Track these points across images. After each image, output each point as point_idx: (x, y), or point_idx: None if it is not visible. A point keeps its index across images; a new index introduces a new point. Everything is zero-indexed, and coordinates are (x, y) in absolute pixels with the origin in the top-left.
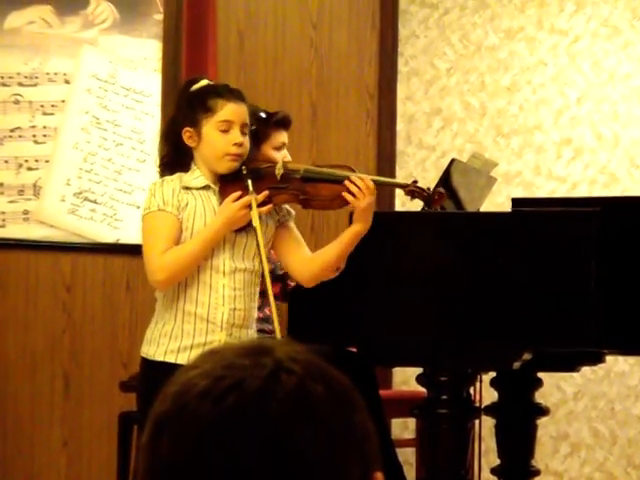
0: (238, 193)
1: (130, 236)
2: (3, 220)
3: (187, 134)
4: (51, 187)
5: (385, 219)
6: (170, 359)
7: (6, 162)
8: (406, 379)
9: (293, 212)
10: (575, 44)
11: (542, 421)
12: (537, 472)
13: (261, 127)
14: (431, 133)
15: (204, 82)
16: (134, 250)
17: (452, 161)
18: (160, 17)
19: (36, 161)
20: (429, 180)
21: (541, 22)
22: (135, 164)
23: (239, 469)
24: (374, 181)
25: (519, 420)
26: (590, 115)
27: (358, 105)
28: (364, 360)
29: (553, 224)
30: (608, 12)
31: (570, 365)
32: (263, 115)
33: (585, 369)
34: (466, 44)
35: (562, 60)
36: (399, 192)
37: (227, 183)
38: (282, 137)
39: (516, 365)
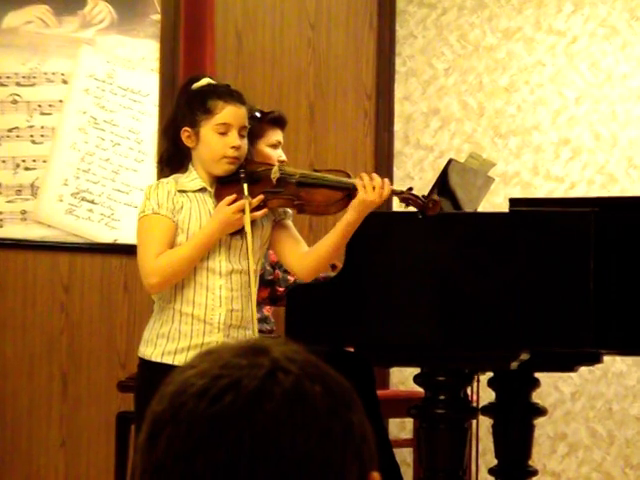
0: (233, 196)
1: (128, 236)
2: (1, 220)
3: (185, 134)
4: (49, 187)
5: (383, 219)
6: (167, 360)
7: (4, 162)
8: (403, 379)
9: (290, 211)
10: (573, 44)
11: (540, 421)
12: (535, 472)
13: (255, 125)
14: (429, 133)
15: (205, 81)
16: (132, 250)
17: (450, 161)
18: (158, 17)
19: (34, 161)
20: (427, 180)
21: (539, 22)
22: (133, 164)
23: (236, 468)
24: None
25: (517, 420)
26: (588, 115)
27: (356, 105)
28: (362, 360)
29: (551, 224)
30: (606, 12)
31: (568, 365)
32: (257, 114)
33: (583, 369)
34: (464, 44)
35: (560, 60)
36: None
37: (223, 185)
38: (277, 135)
39: (514, 365)
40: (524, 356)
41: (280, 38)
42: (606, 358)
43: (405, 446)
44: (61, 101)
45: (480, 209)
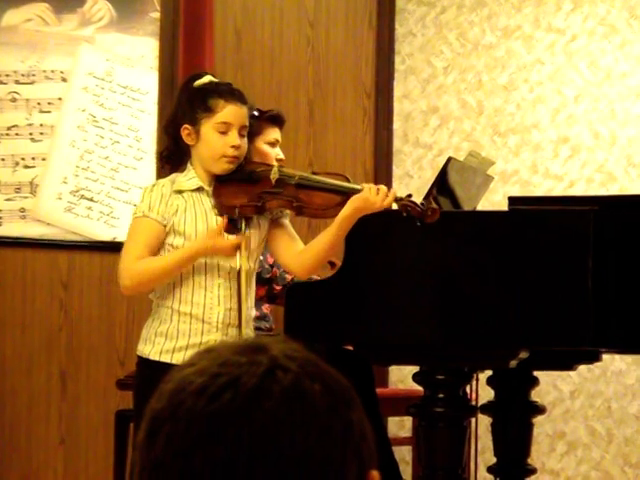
0: (224, 224)
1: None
2: (0, 218)
3: (186, 131)
4: (48, 185)
5: (382, 217)
6: (165, 359)
7: (3, 160)
8: (402, 377)
9: (287, 211)
10: (572, 43)
11: (538, 420)
12: (533, 471)
13: (254, 123)
14: (428, 131)
15: (207, 78)
16: None
17: (449, 159)
18: (157, 15)
19: (33, 159)
20: (426, 179)
21: (538, 21)
22: (132, 162)
23: (234, 466)
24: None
25: (515, 419)
26: (587, 114)
27: (355, 103)
28: (361, 358)
29: (550, 223)
30: (605, 11)
31: (567, 364)
32: (255, 112)
33: (582, 368)
34: (463, 42)
35: (559, 59)
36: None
37: (221, 184)
38: (275, 134)
39: (512, 364)
40: (523, 354)
41: (279, 36)
42: (605, 356)
43: (404, 444)
44: (60, 99)
45: (479, 207)
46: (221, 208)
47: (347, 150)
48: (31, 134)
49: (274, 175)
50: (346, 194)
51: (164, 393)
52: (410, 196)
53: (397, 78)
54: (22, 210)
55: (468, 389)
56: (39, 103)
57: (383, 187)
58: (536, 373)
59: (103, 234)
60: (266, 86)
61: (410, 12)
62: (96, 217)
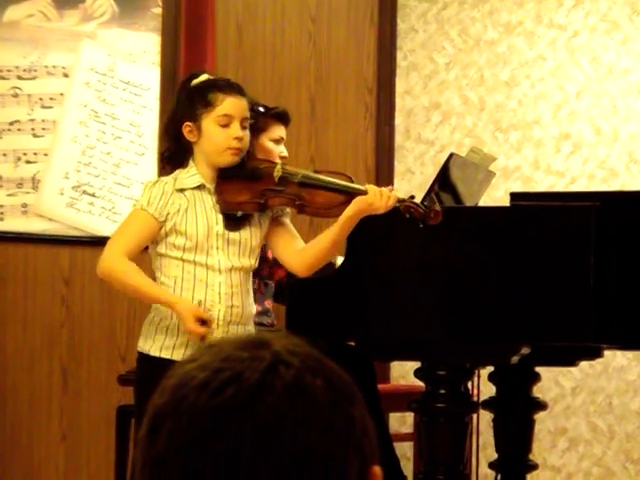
0: (198, 312)
1: None
2: (2, 213)
3: (187, 129)
4: (50, 180)
5: (384, 214)
6: (166, 355)
7: (5, 155)
8: (404, 373)
9: (288, 209)
10: (574, 39)
11: (540, 416)
12: (535, 466)
13: (259, 120)
14: (430, 127)
15: (204, 77)
16: None
17: (451, 155)
18: (159, 11)
19: (35, 154)
20: (427, 175)
21: (540, 17)
22: (134, 157)
23: (237, 462)
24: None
25: (517, 415)
26: (589, 110)
27: (357, 99)
28: (362, 354)
29: (552, 219)
30: (607, 7)
31: (568, 360)
32: (261, 108)
33: (583, 364)
34: (465, 38)
35: (561, 55)
36: (398, 187)
37: (224, 181)
38: (280, 131)
39: (514, 359)
40: (525, 350)
41: (281, 32)
42: (607, 353)
43: (406, 440)
44: (62, 94)
45: (481, 203)
46: (223, 205)
47: (349, 146)
48: (33, 129)
49: (277, 173)
50: (349, 194)
51: (166, 388)
52: (413, 197)
53: (399, 74)
54: (24, 205)
55: (470, 385)
56: (41, 98)
57: (386, 190)
58: (537, 369)
59: (105, 230)
60: (268, 82)
61: (412, 8)
62: (98, 213)
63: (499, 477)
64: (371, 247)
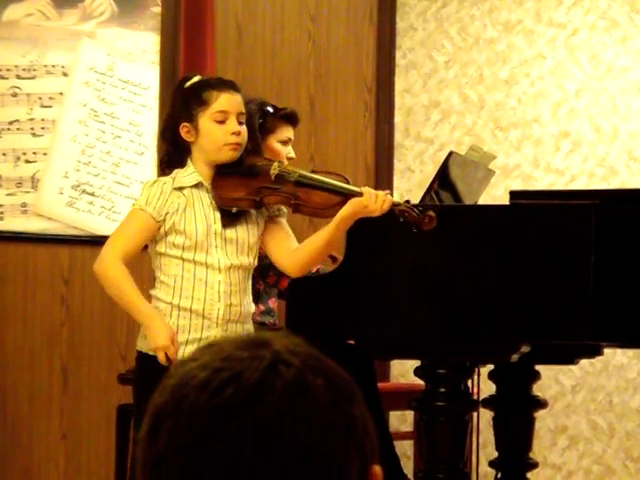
0: (172, 338)
1: None
2: (1, 213)
3: (185, 129)
4: (49, 180)
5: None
6: None
7: (4, 155)
8: (404, 372)
9: (285, 209)
10: (573, 37)
11: (540, 414)
12: (535, 465)
13: (268, 120)
14: (429, 126)
15: (197, 78)
16: None
17: (450, 154)
18: (158, 10)
19: (34, 154)
20: (427, 173)
21: (539, 15)
22: (133, 157)
23: (238, 461)
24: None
25: (517, 413)
26: (588, 108)
27: (356, 98)
28: (363, 353)
29: (551, 217)
30: (606, 5)
31: (568, 358)
32: (270, 109)
33: (583, 362)
34: (464, 37)
35: (560, 53)
36: (398, 185)
37: (220, 177)
38: (288, 132)
39: (514, 358)
40: (525, 349)
41: (280, 31)
42: (607, 351)
43: (406, 439)
44: (61, 94)
45: (480, 202)
46: (219, 200)
47: (348, 145)
48: (32, 129)
49: (274, 171)
50: (345, 195)
51: (166, 388)
52: (408, 202)
53: (398, 72)
54: (23, 205)
55: (470, 383)
56: (40, 98)
57: (382, 193)
58: (538, 367)
59: (104, 229)
60: (267, 81)
61: (411, 6)
62: (97, 212)
63: (499, 475)
64: (370, 246)
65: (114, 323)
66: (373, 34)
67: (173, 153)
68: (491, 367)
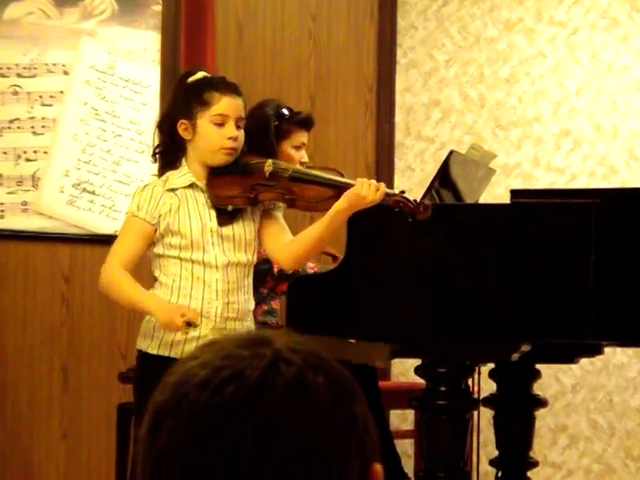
0: (195, 315)
1: None
2: (2, 211)
3: (182, 126)
4: (50, 178)
5: (384, 211)
6: (164, 352)
7: (5, 153)
8: (405, 370)
9: (281, 204)
10: (574, 36)
11: (540, 413)
12: (535, 463)
13: (283, 123)
14: (430, 125)
15: (201, 74)
16: None
17: (451, 153)
18: (159, 8)
19: (35, 152)
20: (428, 172)
21: (540, 13)
22: (134, 155)
23: (238, 459)
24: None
25: (517, 412)
26: (589, 107)
27: (357, 97)
28: None
29: (552, 216)
30: (607, 4)
31: (568, 357)
32: (286, 112)
33: (584, 361)
34: (465, 36)
35: (561, 52)
36: (398, 184)
37: (215, 177)
38: (303, 137)
39: (514, 357)
40: (525, 348)
41: (281, 30)
42: (607, 349)
43: (406, 437)
44: (62, 92)
45: (481, 200)
46: (214, 199)
47: (349, 143)
48: (33, 127)
49: (268, 168)
50: (338, 188)
51: (167, 386)
52: (403, 192)
53: (399, 71)
54: (24, 203)
55: (470, 382)
56: (41, 96)
57: (374, 181)
58: (538, 366)
59: (105, 227)
60: (268, 80)
61: (412, 5)
62: (98, 210)
63: (500, 474)
64: (370, 246)
65: (114, 322)
66: (374, 33)
67: (169, 146)
68: (491, 366)
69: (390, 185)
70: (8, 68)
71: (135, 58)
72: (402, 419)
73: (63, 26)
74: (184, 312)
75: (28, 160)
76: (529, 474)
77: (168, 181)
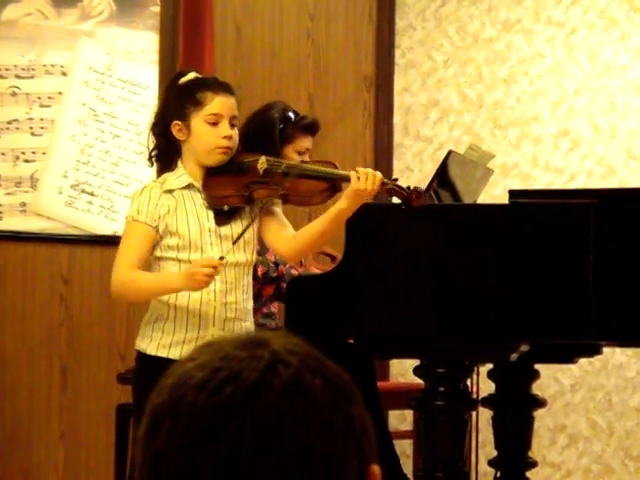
0: (211, 260)
1: None
2: (0, 212)
3: (176, 127)
4: (48, 179)
5: (383, 211)
6: (162, 353)
7: (3, 154)
8: (403, 371)
9: (278, 200)
10: (572, 36)
11: (539, 413)
12: (534, 464)
13: (288, 127)
14: (428, 125)
15: (192, 75)
16: None
17: (449, 153)
18: (157, 9)
19: (33, 153)
20: (426, 172)
21: (538, 14)
22: (132, 156)
23: (236, 460)
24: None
25: (516, 412)
26: (587, 107)
27: (355, 97)
28: (362, 352)
29: (550, 216)
30: (605, 4)
31: (567, 357)
32: (292, 115)
33: (582, 361)
34: (463, 36)
35: (559, 52)
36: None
37: (211, 177)
38: (307, 142)
39: (513, 357)
40: (524, 348)
41: (279, 30)
42: (606, 349)
43: (405, 438)
44: (60, 93)
45: (479, 200)
46: (210, 200)
47: (347, 144)
48: (31, 128)
49: (261, 165)
50: (332, 180)
51: (165, 387)
52: (396, 180)
53: (397, 71)
54: (22, 204)
55: (469, 382)
56: (39, 97)
57: (369, 170)
58: (537, 366)
59: (103, 228)
60: (266, 80)
61: (410, 5)
62: (96, 211)
63: (498, 474)
64: (369, 247)
65: (113, 323)
66: (372, 33)
67: (164, 148)
68: (490, 366)
69: None
70: (6, 69)
71: (133, 59)
72: (401, 419)
73: (61, 27)
74: (201, 266)
75: (26, 161)
76: (528, 474)
77: (165, 183)
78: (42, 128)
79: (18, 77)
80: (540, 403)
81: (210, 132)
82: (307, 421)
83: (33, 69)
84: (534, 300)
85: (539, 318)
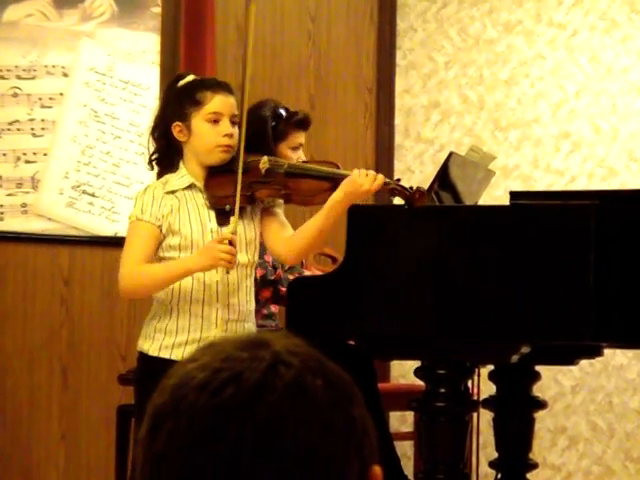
0: (224, 234)
1: None
2: (1, 213)
3: (177, 129)
4: (49, 180)
5: (384, 212)
6: (165, 355)
7: (4, 155)
8: (404, 372)
9: (280, 200)
10: (573, 37)
11: (540, 414)
12: (535, 465)
13: (280, 124)
14: (429, 126)
15: (191, 77)
16: None
17: (450, 154)
18: (158, 10)
19: (34, 154)
20: (427, 174)
21: (539, 15)
22: (133, 157)
23: (237, 461)
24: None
25: (517, 413)
26: (588, 108)
27: (356, 98)
28: (362, 353)
29: (551, 217)
30: (606, 5)
31: (568, 358)
32: (283, 112)
33: (583, 362)
34: (464, 37)
35: (560, 53)
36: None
37: (212, 177)
38: (300, 138)
39: (514, 358)
40: (524, 349)
41: (280, 31)
42: (606, 351)
43: (406, 439)
44: (62, 94)
45: (481, 202)
46: (212, 200)
47: (348, 145)
48: (32, 129)
49: (264, 165)
50: (334, 180)
51: (166, 388)
52: (399, 180)
53: (398, 73)
54: (23, 205)
55: (470, 384)
56: (40, 98)
57: (372, 172)
58: (537, 368)
59: (104, 229)
60: (267, 81)
61: (411, 7)
62: (97, 212)
63: (499, 476)
64: (370, 248)
65: (114, 323)
66: (373, 35)
67: (164, 151)
68: (491, 368)
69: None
70: (8, 70)
71: (134, 60)
72: (402, 421)
73: (62, 28)
74: (216, 242)
75: (28, 162)
76: (529, 476)
77: (167, 183)
78: (43, 129)
79: (19, 78)
80: (541, 405)
81: (211, 131)
82: (308, 422)
83: (34, 70)
84: (535, 301)
85: (540, 319)
